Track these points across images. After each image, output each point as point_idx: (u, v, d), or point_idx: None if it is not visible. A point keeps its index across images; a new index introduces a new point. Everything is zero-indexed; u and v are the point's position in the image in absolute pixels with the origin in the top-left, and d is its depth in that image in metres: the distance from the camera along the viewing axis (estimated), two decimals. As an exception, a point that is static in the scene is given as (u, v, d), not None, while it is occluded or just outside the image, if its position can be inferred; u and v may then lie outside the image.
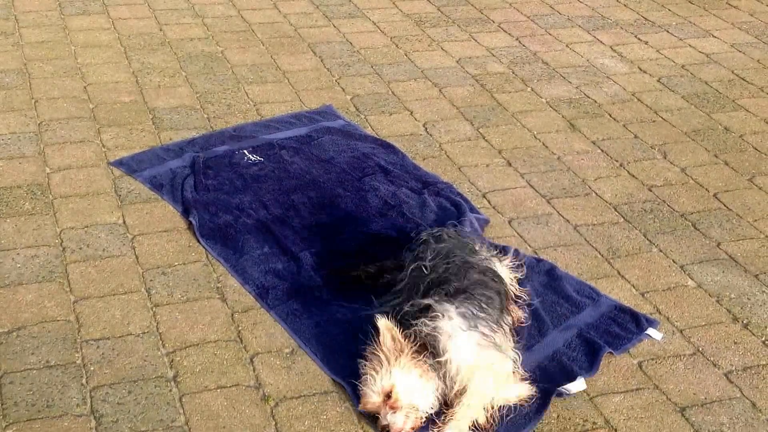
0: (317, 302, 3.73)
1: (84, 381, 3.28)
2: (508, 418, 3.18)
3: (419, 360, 3.15)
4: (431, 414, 3.16)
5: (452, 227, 3.87)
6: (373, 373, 3.15)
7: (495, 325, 3.27)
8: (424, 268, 3.44)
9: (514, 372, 3.27)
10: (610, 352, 3.52)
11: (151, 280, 3.80)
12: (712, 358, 3.56)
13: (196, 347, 3.47)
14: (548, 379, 3.38)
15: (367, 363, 3.19)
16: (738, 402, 3.36)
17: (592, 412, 3.27)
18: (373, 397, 3.14)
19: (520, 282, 3.80)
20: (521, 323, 3.60)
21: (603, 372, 3.45)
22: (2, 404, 3.16)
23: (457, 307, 3.24)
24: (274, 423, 3.16)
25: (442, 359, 3.15)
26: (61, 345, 3.43)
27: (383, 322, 3.17)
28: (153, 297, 3.71)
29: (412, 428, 3.11)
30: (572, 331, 3.64)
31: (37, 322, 3.54)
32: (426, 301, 3.26)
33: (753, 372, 3.51)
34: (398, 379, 3.12)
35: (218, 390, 3.28)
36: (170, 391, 3.26)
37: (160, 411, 3.17)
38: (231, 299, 3.73)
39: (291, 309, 3.68)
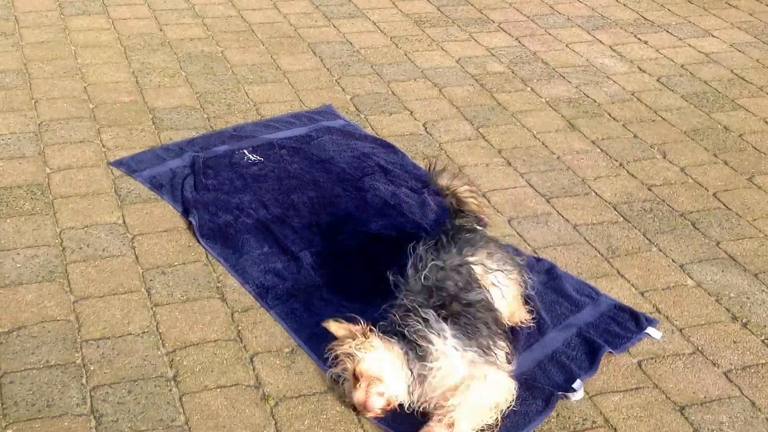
0: (317, 302, 3.73)
1: (84, 381, 3.28)
2: (509, 419, 3.19)
3: (377, 336, 3.20)
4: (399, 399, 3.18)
5: (464, 233, 3.69)
6: (343, 365, 3.21)
7: (485, 351, 3.24)
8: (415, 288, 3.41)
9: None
10: (610, 352, 3.52)
11: (151, 280, 3.81)
12: (711, 357, 3.57)
13: (196, 347, 3.47)
14: (548, 378, 3.39)
15: (334, 366, 3.25)
16: (737, 401, 3.36)
17: (592, 411, 3.27)
18: (352, 388, 3.19)
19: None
20: (522, 323, 3.61)
21: (602, 371, 3.45)
22: (2, 404, 3.16)
23: (450, 329, 3.22)
24: (274, 422, 3.16)
25: (427, 365, 3.14)
26: (61, 345, 3.43)
27: (330, 323, 3.27)
28: (153, 297, 3.72)
29: (382, 408, 3.14)
30: (572, 330, 3.64)
31: (37, 321, 3.54)
32: (424, 315, 3.23)
33: (752, 371, 3.51)
34: (363, 357, 3.16)
35: (218, 389, 3.28)
36: (170, 390, 3.27)
37: (160, 410, 3.18)
38: (231, 299, 3.73)
39: (291, 308, 3.68)
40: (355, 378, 3.17)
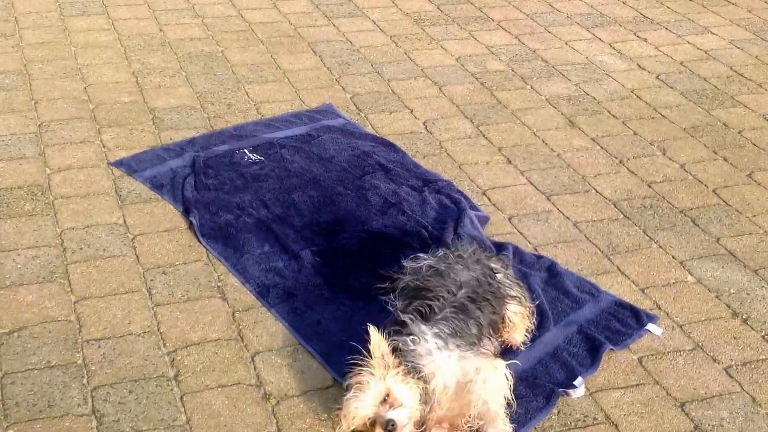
0: (318, 300, 3.74)
1: (85, 381, 3.29)
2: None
3: (403, 373, 3.04)
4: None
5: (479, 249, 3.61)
6: (363, 383, 3.00)
7: (472, 347, 3.16)
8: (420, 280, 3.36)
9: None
10: (611, 348, 3.53)
11: (151, 280, 3.81)
12: (711, 353, 3.57)
13: (197, 346, 3.48)
14: (549, 375, 3.39)
15: (353, 376, 3.05)
16: (738, 396, 3.37)
17: (593, 408, 3.28)
18: (365, 407, 2.98)
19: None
20: (515, 347, 3.52)
21: (603, 367, 3.45)
22: (3, 404, 3.17)
23: (431, 328, 3.15)
24: (275, 421, 3.17)
25: (428, 381, 3.04)
26: (62, 345, 3.44)
27: (376, 336, 3.05)
28: (154, 296, 3.72)
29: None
30: (573, 328, 3.65)
31: (38, 322, 3.55)
32: (402, 317, 3.18)
33: (753, 367, 3.52)
34: (393, 384, 3.00)
35: (219, 389, 3.28)
36: (171, 390, 3.27)
37: (161, 410, 3.18)
38: (232, 298, 3.74)
39: (292, 307, 3.69)
40: (390, 401, 2.99)
